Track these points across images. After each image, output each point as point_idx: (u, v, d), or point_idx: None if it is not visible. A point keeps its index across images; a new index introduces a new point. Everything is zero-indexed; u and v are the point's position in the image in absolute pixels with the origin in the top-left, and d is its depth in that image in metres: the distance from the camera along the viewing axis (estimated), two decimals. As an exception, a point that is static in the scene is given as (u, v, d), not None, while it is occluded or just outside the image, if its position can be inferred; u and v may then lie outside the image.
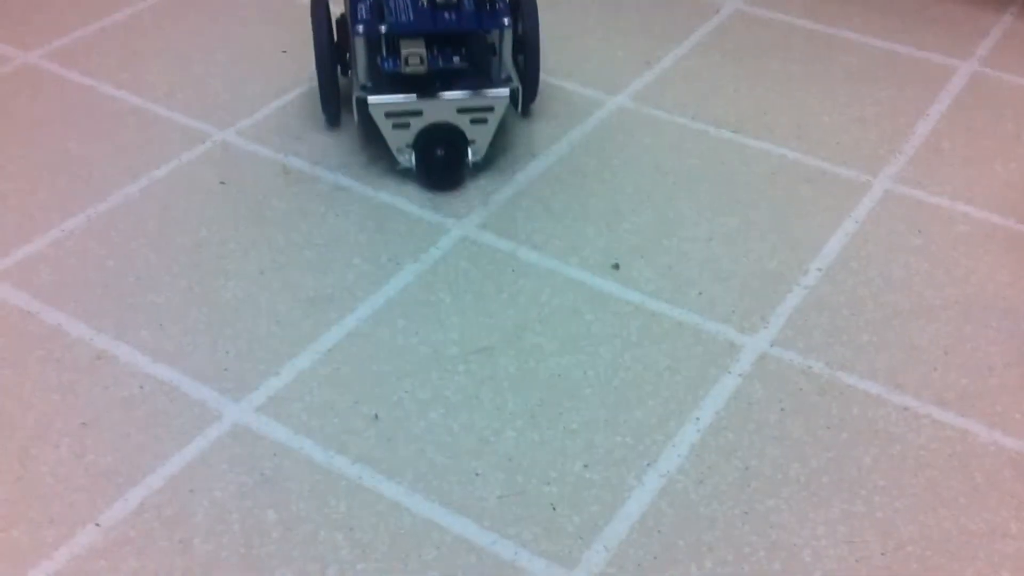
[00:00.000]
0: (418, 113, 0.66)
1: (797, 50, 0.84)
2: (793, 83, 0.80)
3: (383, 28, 0.64)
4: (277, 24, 0.86)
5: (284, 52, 0.83)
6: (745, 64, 0.82)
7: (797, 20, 0.87)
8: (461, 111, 0.66)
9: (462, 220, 0.67)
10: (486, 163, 0.71)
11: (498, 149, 0.73)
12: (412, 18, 0.64)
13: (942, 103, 0.78)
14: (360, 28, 0.64)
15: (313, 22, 0.69)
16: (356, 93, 0.66)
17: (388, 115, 0.66)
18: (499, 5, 0.65)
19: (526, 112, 0.76)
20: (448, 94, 0.66)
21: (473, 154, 0.68)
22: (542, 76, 0.78)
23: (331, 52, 0.69)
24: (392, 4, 0.65)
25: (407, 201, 0.68)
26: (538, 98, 0.77)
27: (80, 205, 0.68)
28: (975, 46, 0.84)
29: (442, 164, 0.68)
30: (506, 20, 0.65)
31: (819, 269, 0.64)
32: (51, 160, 0.72)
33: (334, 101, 0.72)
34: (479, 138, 0.68)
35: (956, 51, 0.84)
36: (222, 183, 0.70)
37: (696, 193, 0.70)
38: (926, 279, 0.64)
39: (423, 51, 0.64)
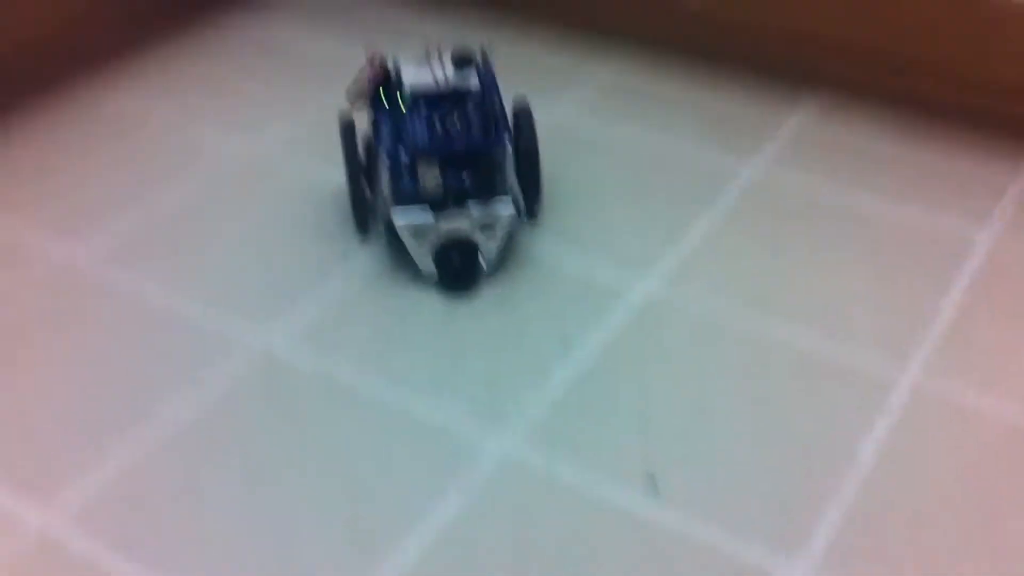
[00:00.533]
0: (434, 228, 0.77)
1: (819, 220, 0.86)
2: (816, 258, 0.83)
3: (403, 154, 0.76)
4: (312, 215, 0.89)
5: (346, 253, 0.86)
6: (769, 237, 0.85)
7: (818, 185, 0.90)
8: (472, 224, 0.77)
9: (503, 434, 0.70)
10: (518, 356, 0.74)
11: (529, 338, 0.75)
12: (427, 142, 0.76)
13: (963, 279, 0.80)
14: (385, 155, 0.77)
15: (343, 145, 0.80)
16: (382, 212, 0.79)
17: (409, 233, 0.77)
18: (499, 128, 0.77)
19: (532, 215, 0.85)
20: (459, 211, 0.77)
21: (485, 261, 0.79)
22: (572, 250, 0.83)
23: (358, 171, 0.81)
24: (410, 129, 0.76)
25: (446, 417, 0.71)
26: (567, 279, 0.80)
27: (136, 432, 0.70)
28: (992, 209, 0.86)
29: (457, 271, 0.79)
30: (506, 140, 0.78)
31: (855, 478, 0.66)
32: (103, 377, 0.74)
33: (362, 212, 0.83)
34: (490, 246, 0.79)
35: (975, 217, 0.86)
36: (268, 400, 0.73)
37: (727, 389, 0.72)
38: (965, 485, 0.65)
39: (438, 174, 0.76)
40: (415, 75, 0.78)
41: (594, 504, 0.65)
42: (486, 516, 0.65)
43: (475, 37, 0.85)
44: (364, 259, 0.82)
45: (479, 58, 0.79)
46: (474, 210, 0.77)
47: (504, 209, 0.77)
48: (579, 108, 1.00)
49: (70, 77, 1.04)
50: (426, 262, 0.78)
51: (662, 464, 0.67)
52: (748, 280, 0.81)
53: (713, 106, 0.99)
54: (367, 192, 0.82)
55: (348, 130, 0.80)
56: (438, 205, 0.77)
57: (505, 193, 0.78)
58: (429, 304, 0.79)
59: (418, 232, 0.77)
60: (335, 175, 0.83)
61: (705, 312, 0.78)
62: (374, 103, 0.79)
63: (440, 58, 0.78)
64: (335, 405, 0.72)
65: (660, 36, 1.07)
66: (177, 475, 0.68)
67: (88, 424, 0.71)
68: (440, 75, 0.77)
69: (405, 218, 0.77)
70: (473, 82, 0.77)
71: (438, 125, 0.76)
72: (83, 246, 0.85)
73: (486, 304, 0.79)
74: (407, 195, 0.77)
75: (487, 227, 0.77)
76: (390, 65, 0.78)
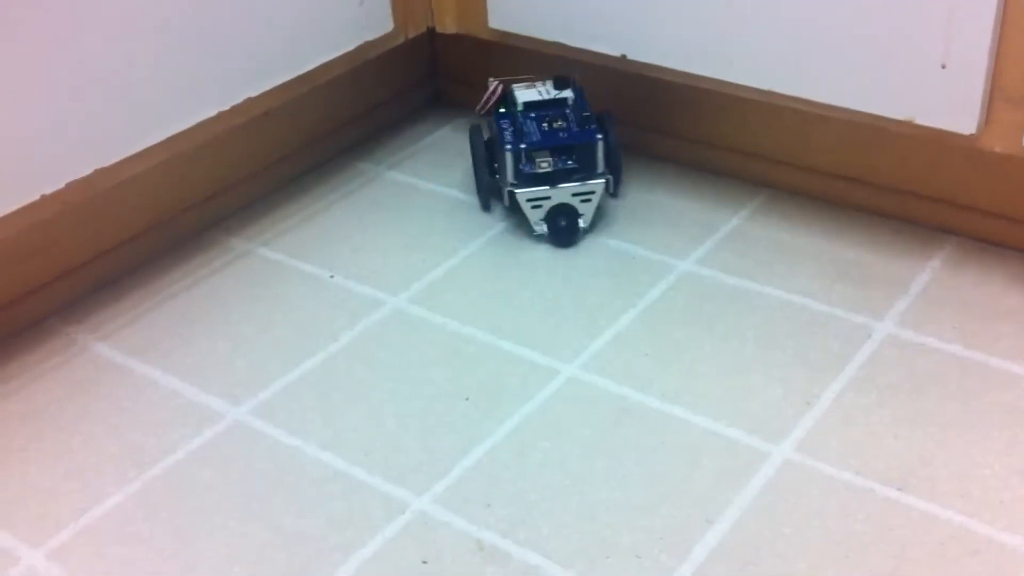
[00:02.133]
0: (547, 198, 1.06)
1: (951, 384, 0.88)
2: (951, 426, 0.84)
3: (522, 146, 1.05)
4: (454, 366, 0.93)
5: (467, 399, 0.90)
6: (901, 402, 0.87)
7: (948, 346, 0.91)
8: (574, 195, 1.06)
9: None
10: (657, 535, 0.77)
11: (668, 512, 0.78)
12: (540, 138, 1.06)
13: (1101, 451, 0.81)
14: (508, 147, 1.05)
15: (471, 143, 1.11)
16: (506, 188, 1.06)
17: (528, 200, 1.06)
18: (592, 126, 1.06)
19: (616, 194, 1.11)
20: (565, 184, 1.06)
21: (583, 222, 1.07)
22: (712, 425, 0.85)
23: (487, 162, 1.10)
24: (525, 129, 1.06)
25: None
26: (707, 451, 0.83)
27: (300, 592, 0.75)
28: None
29: (564, 230, 1.07)
30: (598, 135, 1.05)
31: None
32: (268, 538, 0.79)
33: (486, 193, 1.12)
34: (587, 211, 1.07)
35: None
36: (424, 562, 0.76)
37: (868, 570, 0.74)
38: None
39: (549, 158, 1.05)
40: (525, 94, 1.10)
41: None
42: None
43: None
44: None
45: (573, 81, 1.10)
46: (575, 184, 1.05)
47: (597, 184, 1.06)
48: (700, 261, 1.03)
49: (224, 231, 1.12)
50: (540, 225, 1.07)
51: None
52: (886, 449, 0.83)
53: (839, 256, 1.02)
54: (489, 178, 1.10)
55: (475, 132, 1.11)
56: (548, 182, 1.05)
57: (599, 174, 1.06)
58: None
59: (534, 201, 1.05)
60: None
61: (848, 483, 0.80)
62: (496, 113, 1.09)
63: (543, 83, 1.11)
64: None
65: (784, 186, 1.11)
66: None
67: None
68: (543, 91, 1.10)
69: (526, 193, 1.05)
70: (569, 96, 1.09)
71: (546, 125, 1.07)
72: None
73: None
74: (525, 176, 1.05)
75: (585, 197, 1.06)
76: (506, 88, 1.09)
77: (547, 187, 1.05)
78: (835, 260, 1.02)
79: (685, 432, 0.85)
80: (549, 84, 1.10)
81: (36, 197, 0.89)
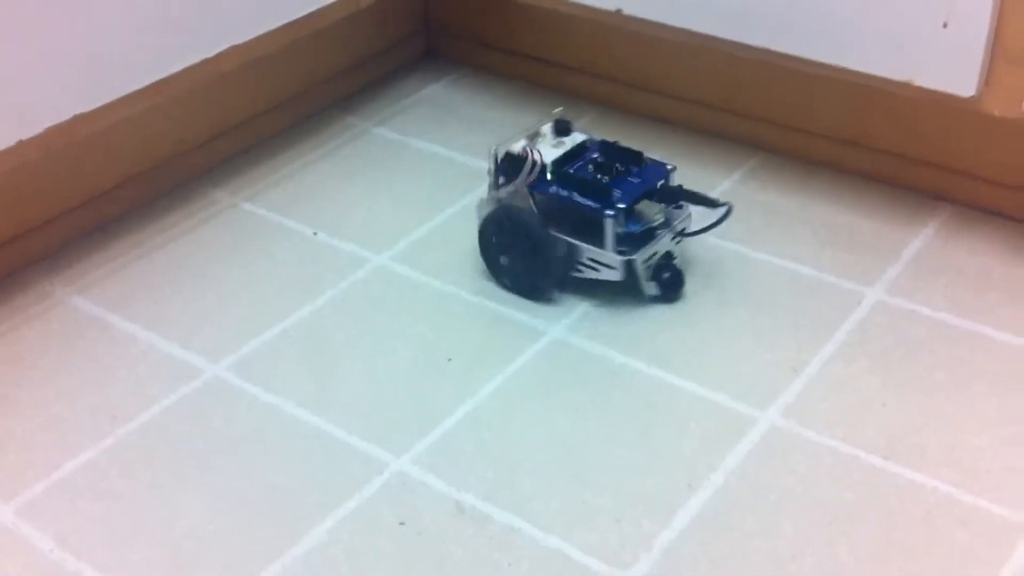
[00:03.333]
0: (659, 252, 0.93)
1: (941, 352, 0.87)
2: (939, 394, 0.83)
3: (621, 205, 0.89)
4: (437, 325, 0.92)
5: (450, 360, 0.88)
6: (890, 370, 0.85)
7: (939, 314, 0.90)
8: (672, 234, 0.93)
9: (628, 570, 0.71)
10: (642, 499, 0.76)
11: (657, 478, 0.77)
12: (628, 190, 0.90)
13: (1092, 423, 0.80)
14: (610, 213, 0.88)
15: (526, 229, 0.91)
16: (618, 260, 0.90)
17: (644, 263, 0.91)
18: (640, 158, 0.93)
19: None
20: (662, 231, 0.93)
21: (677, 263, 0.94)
22: (699, 390, 0.85)
23: (548, 245, 0.92)
24: (609, 189, 0.90)
25: (578, 551, 0.73)
26: (692, 416, 0.82)
27: (276, 550, 0.73)
28: (1122, 345, 0.86)
29: (674, 281, 0.94)
30: (668, 165, 0.94)
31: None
32: (245, 495, 0.78)
33: (554, 280, 0.94)
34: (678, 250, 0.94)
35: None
36: (401, 524, 0.75)
37: (854, 537, 0.73)
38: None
39: (662, 207, 0.92)
40: (547, 154, 0.91)
41: None
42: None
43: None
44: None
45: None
46: (672, 222, 0.93)
47: (684, 210, 0.93)
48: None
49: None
50: (651, 286, 0.92)
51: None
52: (874, 416, 0.81)
53: (831, 221, 1.00)
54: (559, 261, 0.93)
55: (514, 213, 0.92)
56: (651, 235, 0.91)
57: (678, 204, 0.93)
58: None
59: (648, 261, 0.91)
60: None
61: (834, 450, 0.79)
62: (538, 185, 0.91)
63: (539, 135, 0.94)
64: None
65: (780, 148, 1.09)
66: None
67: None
68: (553, 141, 0.93)
69: (644, 254, 0.90)
70: (581, 137, 0.94)
71: (601, 176, 0.91)
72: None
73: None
74: (633, 238, 0.90)
75: (678, 232, 0.93)
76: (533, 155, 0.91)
77: (654, 242, 0.90)
78: (827, 225, 1.00)
79: (671, 396, 0.84)
80: (548, 131, 0.94)
81: (13, 143, 0.87)
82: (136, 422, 0.84)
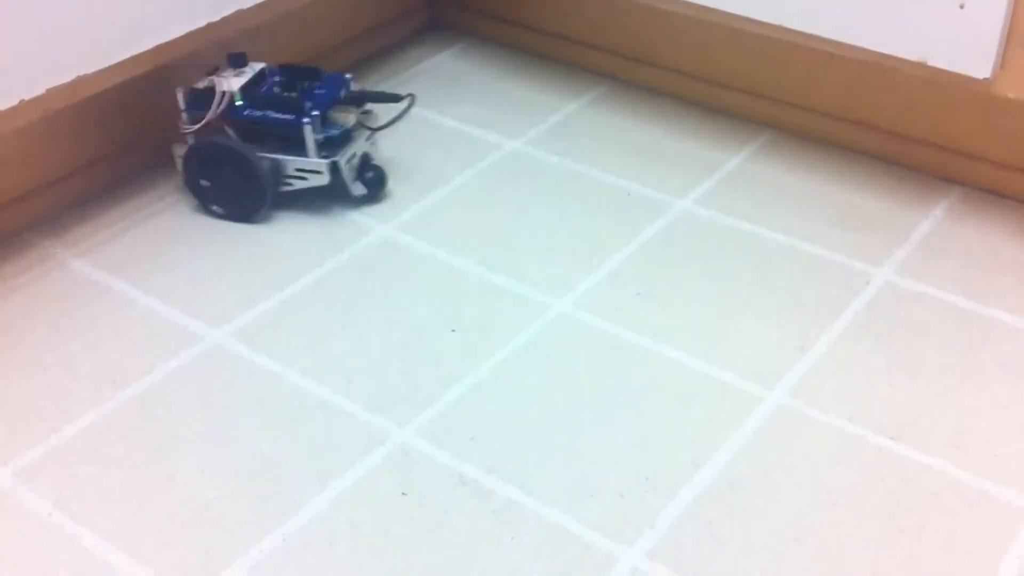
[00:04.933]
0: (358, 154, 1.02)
1: (951, 335, 0.86)
2: (948, 376, 0.82)
3: (315, 113, 0.96)
4: (442, 297, 0.91)
5: (454, 331, 0.87)
6: (898, 351, 0.84)
7: (948, 296, 0.89)
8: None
9: (631, 546, 0.71)
10: (645, 474, 0.75)
11: (661, 454, 0.76)
12: (325, 98, 0.98)
13: (1101, 408, 0.79)
14: (307, 120, 0.95)
15: (233, 159, 0.97)
16: (322, 162, 0.97)
17: (348, 163, 0.99)
18: (300, 71, 1.01)
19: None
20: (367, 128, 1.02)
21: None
22: (704, 367, 0.84)
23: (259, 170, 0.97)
24: (310, 97, 0.97)
25: (580, 525, 0.72)
26: (698, 393, 0.81)
27: (276, 520, 0.73)
28: None
29: (378, 180, 1.02)
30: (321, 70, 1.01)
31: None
32: (245, 463, 0.77)
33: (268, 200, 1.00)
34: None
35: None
36: (403, 495, 0.75)
37: (858, 518, 0.72)
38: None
39: (349, 107, 1.00)
40: (234, 83, 0.97)
41: None
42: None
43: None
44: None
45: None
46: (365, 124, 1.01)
47: (400, 107, 1.01)
48: (706, 201, 1.01)
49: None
50: (357, 186, 1.00)
51: (792, 590, 0.67)
52: (881, 397, 0.81)
53: (839, 200, 0.99)
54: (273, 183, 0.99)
55: (219, 148, 0.97)
56: (348, 137, 0.99)
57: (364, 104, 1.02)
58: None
59: (352, 163, 0.99)
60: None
61: (840, 430, 0.78)
62: (231, 113, 0.97)
63: (222, 70, 0.99)
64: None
65: (788, 128, 1.08)
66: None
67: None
68: (237, 74, 0.99)
69: (346, 154, 0.98)
70: (261, 65, 1.00)
71: (288, 93, 0.97)
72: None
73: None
74: (331, 143, 0.97)
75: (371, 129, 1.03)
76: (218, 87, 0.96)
77: (356, 139, 0.99)
78: (836, 205, 1.00)
79: (677, 373, 0.83)
80: (225, 65, 0.99)
81: (15, 102, 0.85)
82: (136, 386, 0.83)
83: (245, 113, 0.96)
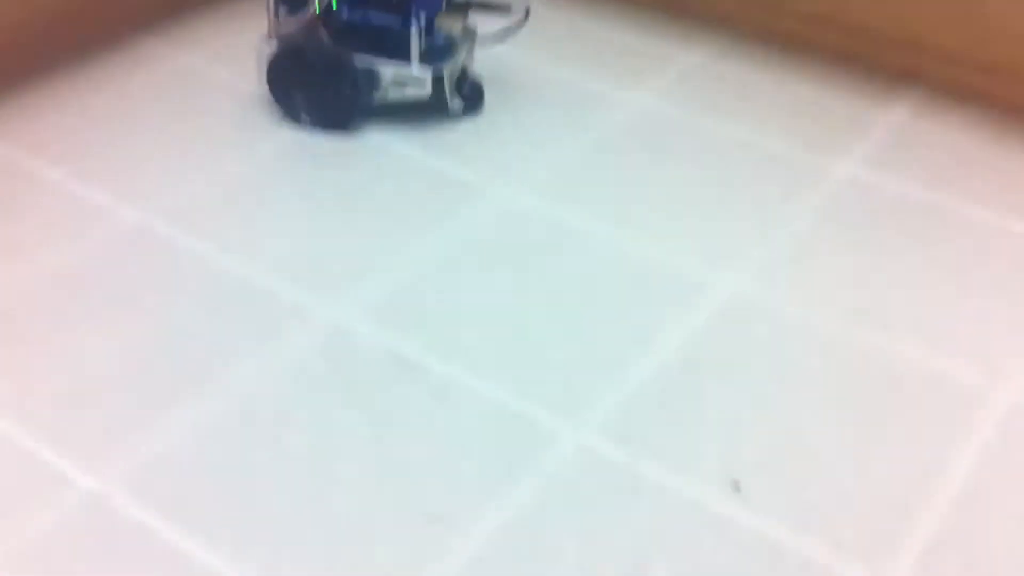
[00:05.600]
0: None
1: (913, 225, 0.82)
2: (910, 265, 0.79)
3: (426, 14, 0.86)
4: (377, 177, 0.86)
5: (397, 217, 0.82)
6: (861, 242, 0.81)
7: (912, 189, 0.86)
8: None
9: (579, 427, 0.66)
10: (592, 354, 0.71)
11: (611, 336, 0.72)
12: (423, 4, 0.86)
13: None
14: (416, 24, 0.85)
15: (310, 64, 0.88)
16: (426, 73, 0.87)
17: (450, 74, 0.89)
18: None
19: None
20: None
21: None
22: (657, 254, 0.79)
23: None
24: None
25: (523, 401, 0.68)
26: (651, 279, 0.77)
27: (191, 394, 0.67)
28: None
29: (478, 94, 0.93)
30: None
31: (947, 496, 0.62)
32: (167, 343, 0.71)
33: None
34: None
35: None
36: (332, 372, 0.70)
37: (816, 400, 0.68)
38: None
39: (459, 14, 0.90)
40: None
41: (678, 498, 0.62)
42: (559, 503, 0.62)
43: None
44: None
45: None
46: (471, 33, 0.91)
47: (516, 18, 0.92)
48: (661, 96, 0.96)
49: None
50: (455, 100, 0.90)
51: (748, 474, 0.63)
52: (842, 285, 0.77)
53: (801, 98, 0.95)
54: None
55: (294, 54, 0.88)
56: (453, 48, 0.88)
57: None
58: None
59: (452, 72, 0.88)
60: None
61: (800, 317, 0.75)
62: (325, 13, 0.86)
63: None
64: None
65: (751, 25, 1.04)
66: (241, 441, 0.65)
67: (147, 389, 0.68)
68: None
69: (447, 65, 0.87)
70: None
71: None
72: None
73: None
74: (437, 51, 0.87)
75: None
76: None
77: (460, 50, 0.88)
78: (797, 102, 0.95)
79: (629, 260, 0.79)
80: None
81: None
82: (48, 263, 0.77)
83: (344, 15, 0.85)
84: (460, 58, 0.88)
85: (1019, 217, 0.83)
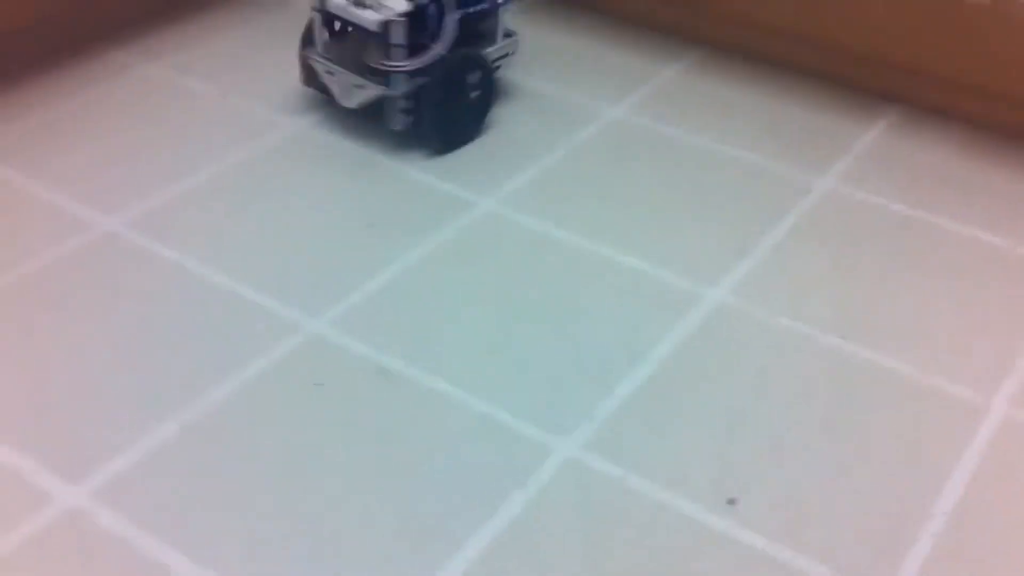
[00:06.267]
0: None
1: (894, 239, 0.82)
2: (893, 278, 0.78)
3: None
4: (359, 189, 0.84)
5: (371, 226, 0.81)
6: (842, 254, 0.80)
7: (891, 204, 0.86)
8: None
9: (567, 437, 0.65)
10: (579, 367, 0.69)
11: (595, 348, 0.71)
12: None
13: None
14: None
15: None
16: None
17: None
18: None
19: None
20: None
21: None
22: (641, 265, 0.78)
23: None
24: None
25: (509, 415, 0.66)
26: (635, 290, 0.76)
27: (170, 409, 0.65)
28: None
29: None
30: None
31: (944, 513, 0.62)
32: (141, 352, 0.69)
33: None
34: None
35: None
36: (318, 384, 0.68)
37: (807, 414, 0.68)
38: None
39: None
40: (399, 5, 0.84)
41: (671, 514, 0.60)
42: (546, 523, 0.60)
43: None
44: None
45: None
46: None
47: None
48: (642, 110, 0.95)
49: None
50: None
51: (741, 488, 0.62)
52: (826, 298, 0.76)
53: (781, 114, 0.95)
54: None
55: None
56: None
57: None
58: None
59: None
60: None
61: (787, 329, 0.74)
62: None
63: None
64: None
65: (730, 42, 1.04)
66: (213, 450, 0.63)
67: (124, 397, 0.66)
68: None
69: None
70: None
71: None
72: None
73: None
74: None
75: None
76: None
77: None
78: (776, 118, 0.95)
79: (611, 270, 0.78)
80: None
81: None
82: (14, 273, 0.75)
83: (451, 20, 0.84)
84: None
85: (996, 231, 0.83)
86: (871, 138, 0.93)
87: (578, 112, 0.94)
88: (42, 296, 0.73)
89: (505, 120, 0.93)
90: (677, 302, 0.75)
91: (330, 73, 0.87)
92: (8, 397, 0.66)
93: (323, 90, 0.90)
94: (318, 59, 0.88)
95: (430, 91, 0.85)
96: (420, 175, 0.86)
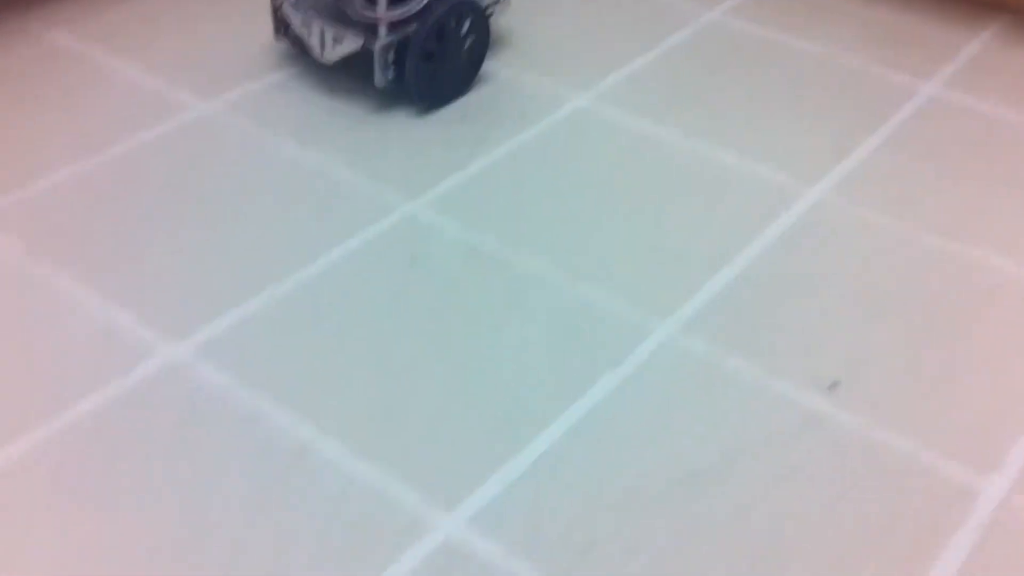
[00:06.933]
0: None
1: (999, 147, 0.80)
2: (998, 184, 0.76)
3: None
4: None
5: (464, 117, 0.80)
6: (947, 159, 0.78)
7: (997, 109, 0.83)
8: None
9: (662, 323, 0.64)
10: (676, 258, 0.69)
11: (689, 239, 0.70)
12: None
13: None
14: None
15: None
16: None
17: None
18: None
19: None
20: None
21: None
22: (737, 162, 0.77)
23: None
24: None
25: (605, 295, 0.66)
26: (731, 186, 0.75)
27: (268, 279, 0.66)
28: None
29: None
30: None
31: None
32: (233, 227, 0.70)
33: None
34: None
35: None
36: (413, 259, 0.68)
37: (905, 315, 0.66)
38: None
39: None
40: None
41: (770, 394, 0.60)
42: (644, 396, 0.60)
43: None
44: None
45: None
46: None
47: None
48: (738, 13, 0.93)
49: None
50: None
51: (843, 375, 0.61)
52: (929, 200, 0.74)
53: (886, 21, 0.93)
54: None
55: None
56: None
57: None
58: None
59: None
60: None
61: (887, 228, 0.72)
62: None
63: None
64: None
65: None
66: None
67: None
68: None
69: None
70: None
71: None
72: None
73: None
74: None
75: None
76: None
77: None
78: (881, 23, 0.93)
79: (708, 167, 0.77)
80: None
81: None
82: (110, 153, 0.75)
83: None
84: None
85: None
86: (977, 46, 0.90)
87: (675, 12, 0.93)
88: (135, 173, 0.73)
89: (595, 16, 0.91)
90: (777, 201, 0.74)
91: (305, 25, 0.79)
92: (113, 260, 0.66)
93: (297, 43, 0.82)
94: (292, 9, 0.79)
95: (418, 42, 0.78)
96: (511, 72, 0.85)
